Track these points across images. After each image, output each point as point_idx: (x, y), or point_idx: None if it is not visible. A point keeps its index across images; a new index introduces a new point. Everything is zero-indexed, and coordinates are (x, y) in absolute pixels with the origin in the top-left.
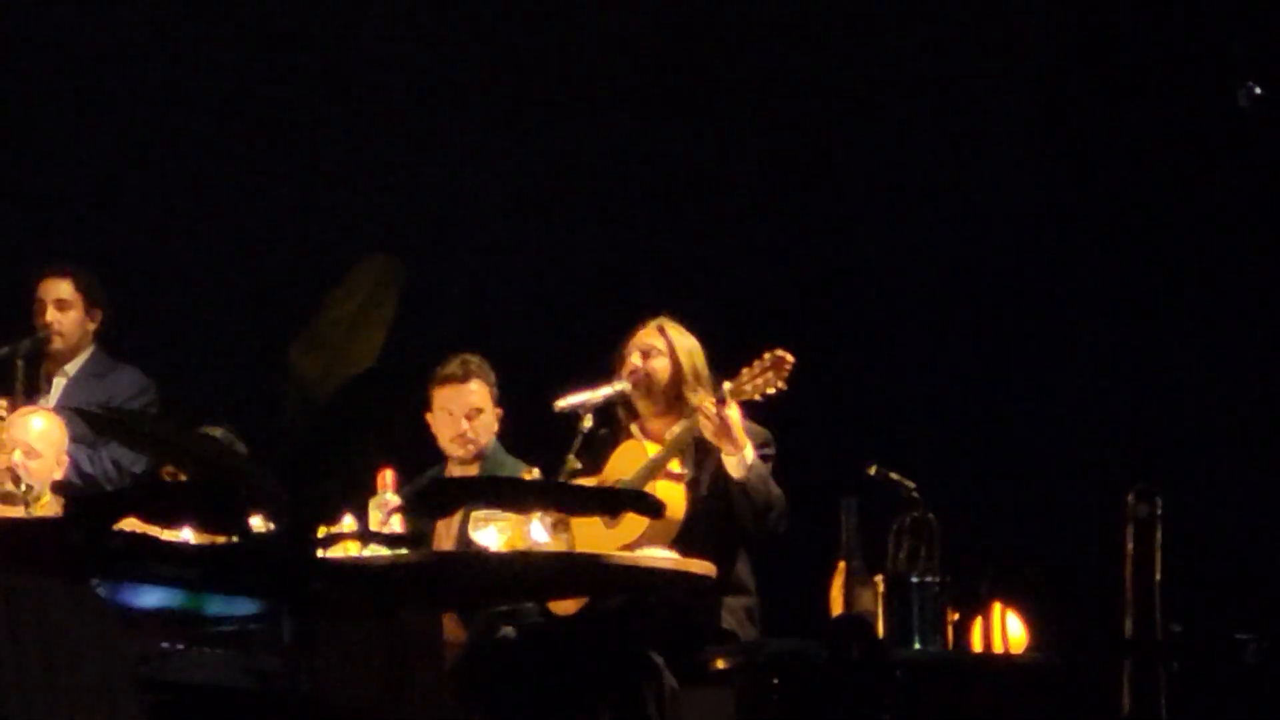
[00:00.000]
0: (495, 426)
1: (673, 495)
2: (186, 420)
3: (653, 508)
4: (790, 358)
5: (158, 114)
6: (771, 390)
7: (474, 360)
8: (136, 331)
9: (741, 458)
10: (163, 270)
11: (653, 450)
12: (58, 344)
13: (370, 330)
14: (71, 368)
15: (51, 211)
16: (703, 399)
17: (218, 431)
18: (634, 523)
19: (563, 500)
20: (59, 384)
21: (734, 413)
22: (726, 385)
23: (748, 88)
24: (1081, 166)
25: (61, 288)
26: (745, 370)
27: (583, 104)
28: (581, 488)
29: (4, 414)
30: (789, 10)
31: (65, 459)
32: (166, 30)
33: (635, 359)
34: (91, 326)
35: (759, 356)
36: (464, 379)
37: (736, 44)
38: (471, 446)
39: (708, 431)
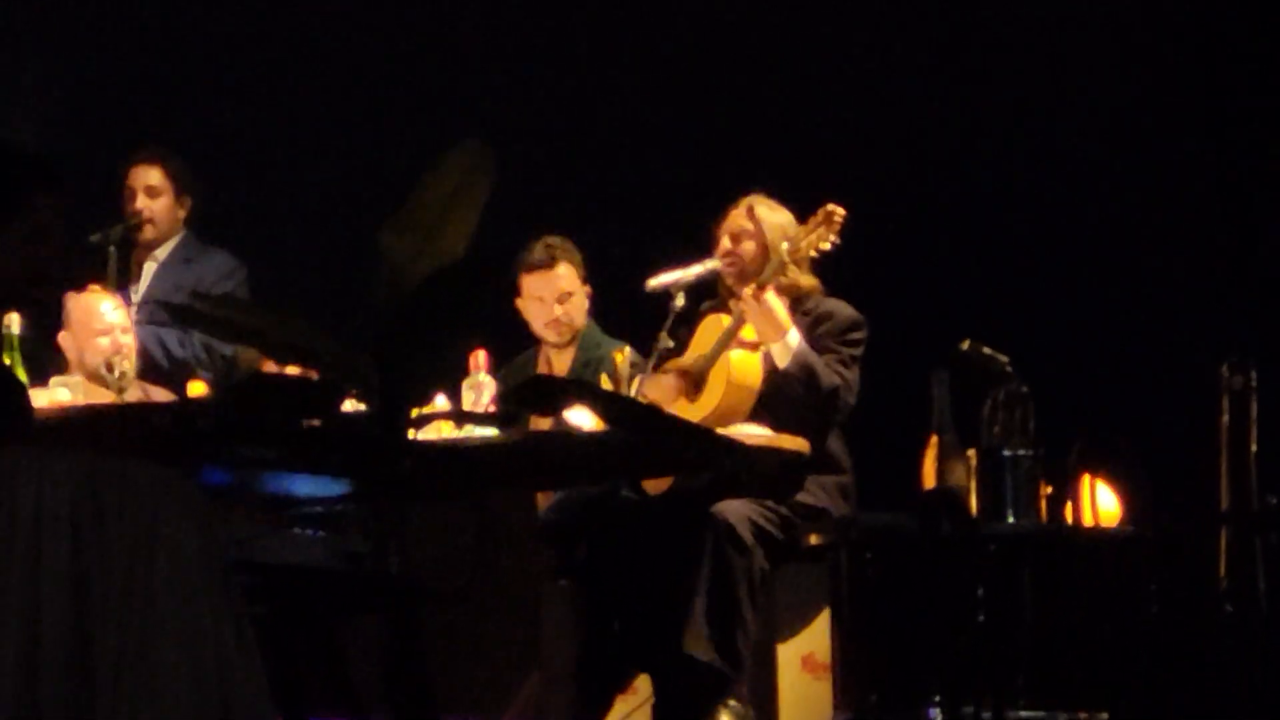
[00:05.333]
0: (586, 305)
1: (748, 364)
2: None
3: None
4: (841, 211)
5: None
6: (826, 245)
7: (557, 243)
8: (228, 217)
9: (784, 344)
10: (254, 155)
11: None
12: (148, 232)
13: (462, 214)
14: (161, 253)
15: (141, 97)
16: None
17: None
18: (711, 394)
19: (648, 425)
20: (149, 269)
21: (773, 298)
22: (784, 246)
23: None
24: (1174, 46)
25: (151, 175)
26: (800, 228)
27: None
28: (671, 417)
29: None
30: None
31: None
32: None
33: (726, 242)
34: (182, 213)
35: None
36: (551, 264)
37: None
38: (566, 330)
39: (751, 316)
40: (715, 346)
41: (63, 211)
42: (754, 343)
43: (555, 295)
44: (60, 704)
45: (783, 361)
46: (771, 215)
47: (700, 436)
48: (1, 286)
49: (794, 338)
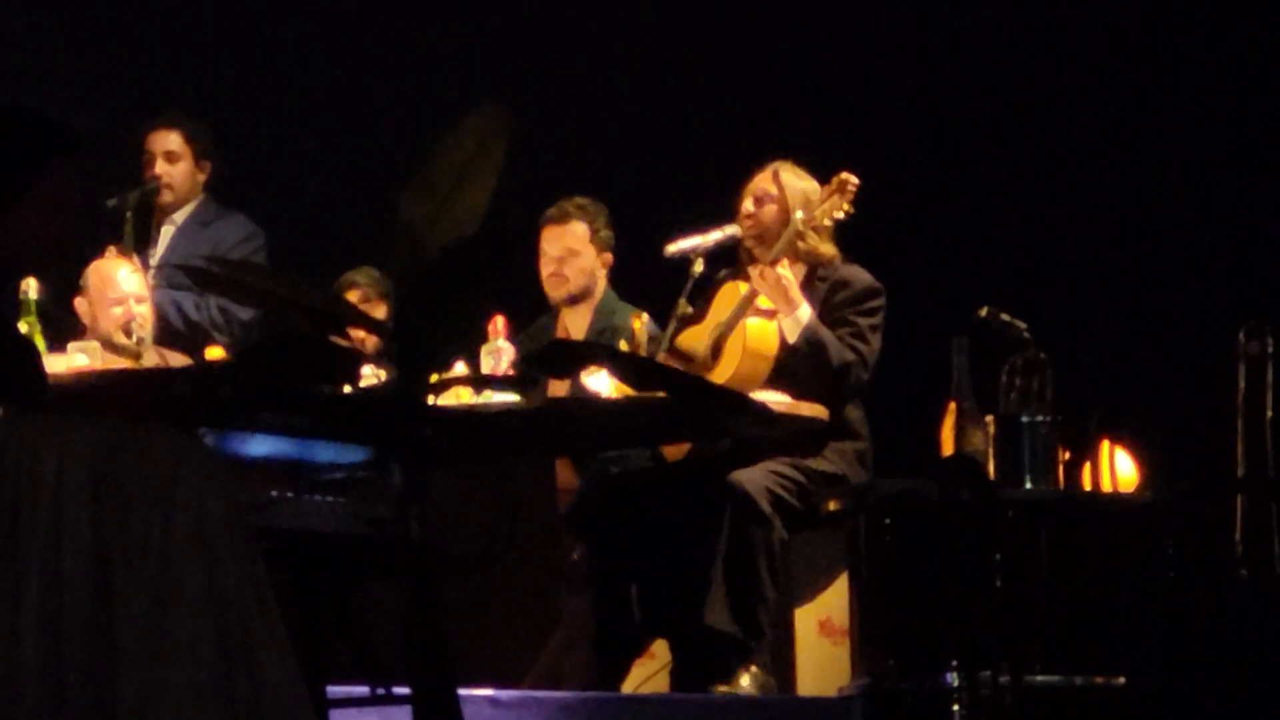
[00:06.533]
0: (598, 270)
1: (764, 331)
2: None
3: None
4: (855, 179)
5: None
6: (839, 214)
7: (579, 202)
8: (246, 182)
9: (795, 319)
10: (272, 121)
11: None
12: (167, 196)
13: (481, 178)
14: (180, 217)
15: (159, 61)
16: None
17: (373, 274)
18: (728, 361)
19: (668, 385)
20: (167, 233)
21: (786, 271)
22: (798, 214)
23: None
24: (1190, 12)
25: (170, 139)
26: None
27: None
28: (692, 378)
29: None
30: None
31: None
32: None
33: (748, 205)
34: (201, 178)
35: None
36: (563, 220)
37: None
38: (562, 287)
39: (763, 290)
40: (732, 314)
41: (78, 178)
42: (771, 310)
43: (559, 251)
44: (83, 670)
45: (792, 336)
46: (797, 181)
47: (721, 396)
48: (19, 254)
49: (804, 312)
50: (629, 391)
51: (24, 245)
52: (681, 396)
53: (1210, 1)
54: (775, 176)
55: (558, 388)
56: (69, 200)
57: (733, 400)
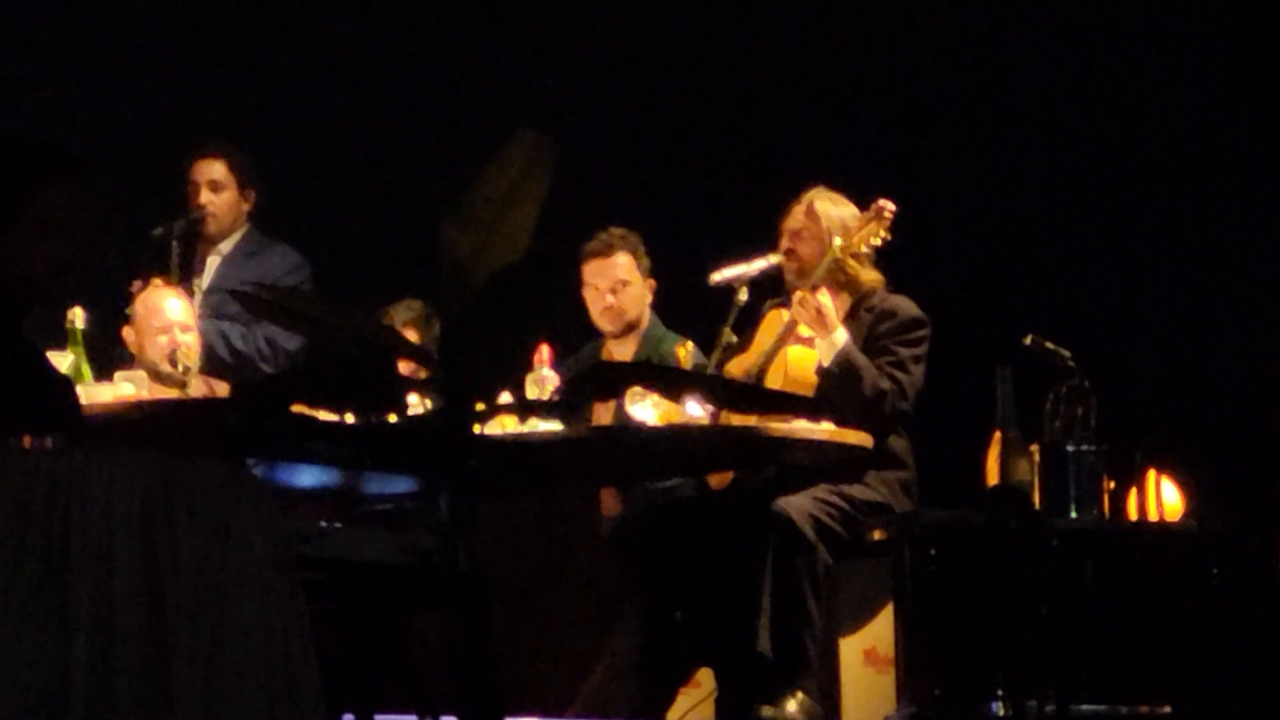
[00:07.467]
0: (646, 299)
1: (805, 359)
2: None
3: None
4: (891, 205)
5: None
6: (877, 241)
7: (618, 232)
8: (291, 211)
9: (830, 342)
10: (316, 150)
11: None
12: (211, 226)
13: (523, 207)
14: (225, 247)
15: (204, 92)
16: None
17: (416, 306)
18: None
19: (720, 396)
20: (212, 263)
21: (825, 298)
22: (838, 242)
23: None
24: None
25: (215, 169)
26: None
27: None
28: (739, 384)
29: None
30: None
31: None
32: None
33: (785, 241)
34: (245, 207)
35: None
36: (607, 252)
37: None
38: (618, 320)
39: (801, 317)
40: (774, 342)
41: (82, 201)
42: (812, 338)
43: (610, 283)
44: (135, 703)
45: (826, 359)
46: (833, 209)
47: (777, 398)
48: (21, 283)
49: (840, 336)
50: (674, 420)
51: (26, 274)
52: (733, 404)
53: (1264, 32)
54: (809, 209)
55: (603, 416)
56: (71, 221)
57: (785, 401)
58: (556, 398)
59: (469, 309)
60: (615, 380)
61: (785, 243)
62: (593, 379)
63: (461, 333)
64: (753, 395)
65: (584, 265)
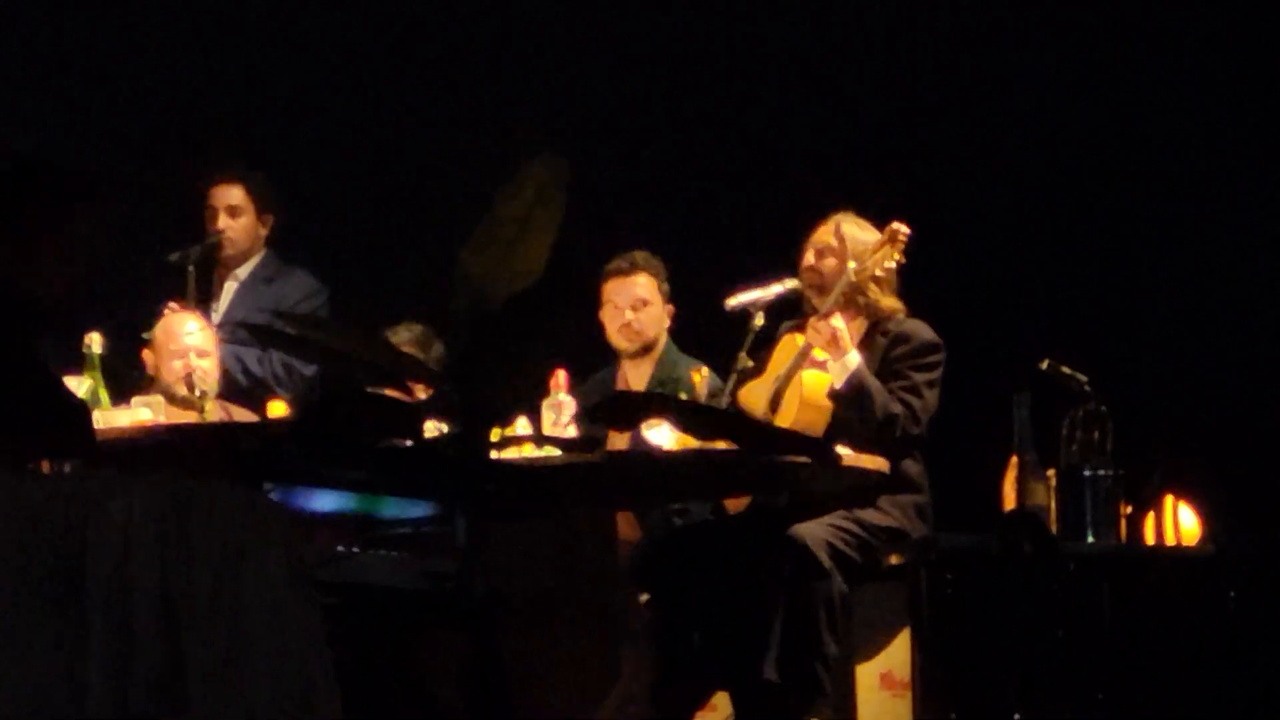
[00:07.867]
0: (665, 321)
1: (820, 383)
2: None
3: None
4: (906, 229)
5: (325, 15)
6: (891, 264)
7: (641, 254)
8: (308, 235)
9: (843, 364)
10: (333, 173)
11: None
12: (229, 250)
13: (539, 230)
14: (242, 272)
15: (221, 116)
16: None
17: (415, 329)
18: (785, 413)
19: (734, 433)
20: (229, 288)
21: (839, 322)
22: (851, 265)
23: None
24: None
25: (233, 194)
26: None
27: None
28: (754, 423)
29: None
30: None
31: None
32: None
33: (809, 257)
34: (263, 232)
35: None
36: (630, 271)
37: None
38: (636, 338)
39: (815, 341)
40: (789, 367)
41: (99, 223)
42: (826, 362)
43: (630, 301)
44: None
45: (838, 381)
46: (859, 233)
47: (789, 440)
48: (37, 305)
49: (853, 359)
50: (690, 444)
51: (44, 287)
52: (747, 444)
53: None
54: (837, 229)
55: (618, 441)
56: (88, 244)
57: (800, 443)
58: (573, 427)
59: (486, 332)
60: (632, 410)
61: (809, 258)
62: (609, 410)
63: (477, 355)
64: (764, 434)
65: (605, 284)
